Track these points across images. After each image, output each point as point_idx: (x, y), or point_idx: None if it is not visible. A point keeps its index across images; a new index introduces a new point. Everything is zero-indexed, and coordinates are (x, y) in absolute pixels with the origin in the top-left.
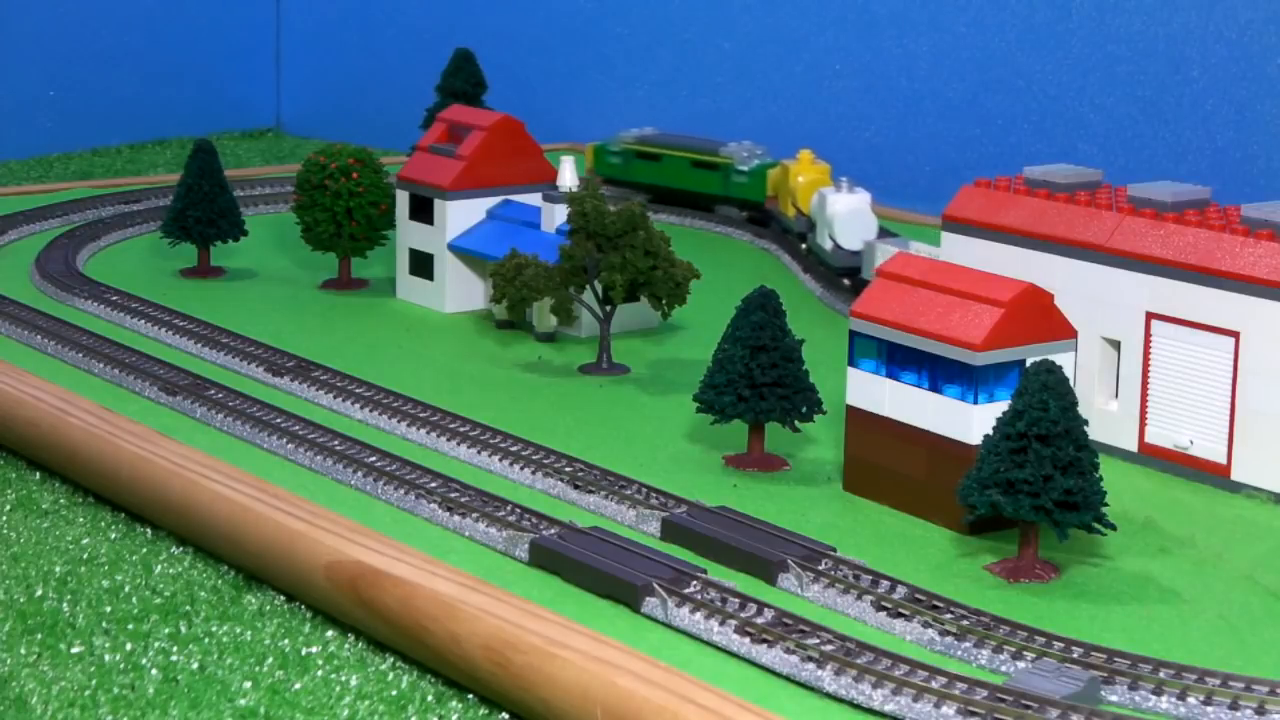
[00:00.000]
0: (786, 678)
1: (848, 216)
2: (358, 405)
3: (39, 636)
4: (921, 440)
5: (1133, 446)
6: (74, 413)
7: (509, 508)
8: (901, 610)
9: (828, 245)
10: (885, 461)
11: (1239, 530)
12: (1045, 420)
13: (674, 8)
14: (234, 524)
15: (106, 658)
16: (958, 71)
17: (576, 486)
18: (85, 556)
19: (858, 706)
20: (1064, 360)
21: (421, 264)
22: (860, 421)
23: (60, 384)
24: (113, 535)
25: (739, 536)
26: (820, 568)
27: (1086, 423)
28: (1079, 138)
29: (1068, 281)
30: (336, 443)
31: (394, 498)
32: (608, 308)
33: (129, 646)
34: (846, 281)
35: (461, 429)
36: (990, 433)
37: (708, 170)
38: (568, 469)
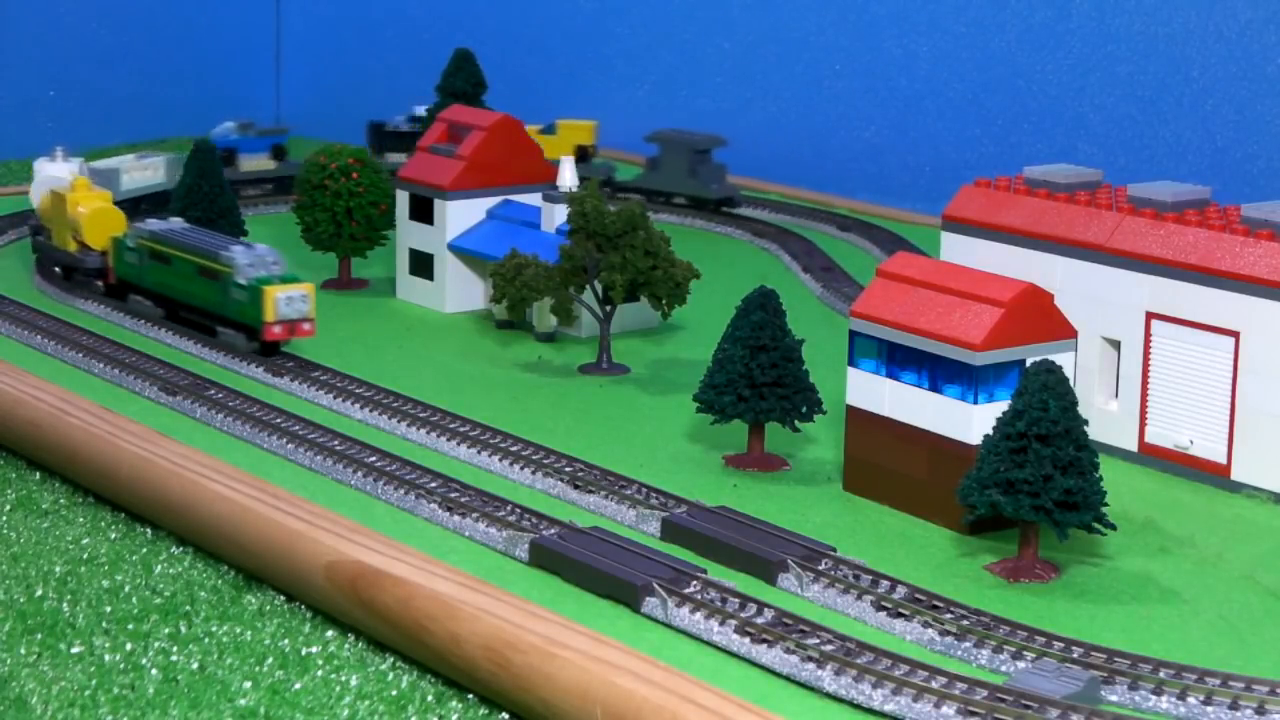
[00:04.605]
0: (786, 678)
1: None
2: (358, 405)
3: (39, 636)
4: (921, 440)
5: (1133, 446)
6: (74, 412)
7: (509, 508)
8: (901, 610)
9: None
10: (885, 461)
11: (1239, 530)
12: (1045, 420)
13: (674, 8)
14: (234, 524)
15: (106, 658)
16: (958, 71)
17: (576, 486)
18: (85, 556)
19: (858, 706)
20: (1064, 360)
21: (421, 264)
22: (860, 421)
23: (60, 384)
24: (113, 535)
25: (739, 536)
26: (820, 568)
27: (1086, 423)
28: (1079, 138)
29: (1068, 281)
30: (336, 443)
31: (394, 498)
32: (608, 308)
33: (129, 646)
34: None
35: (461, 429)
36: (990, 433)
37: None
38: (568, 469)
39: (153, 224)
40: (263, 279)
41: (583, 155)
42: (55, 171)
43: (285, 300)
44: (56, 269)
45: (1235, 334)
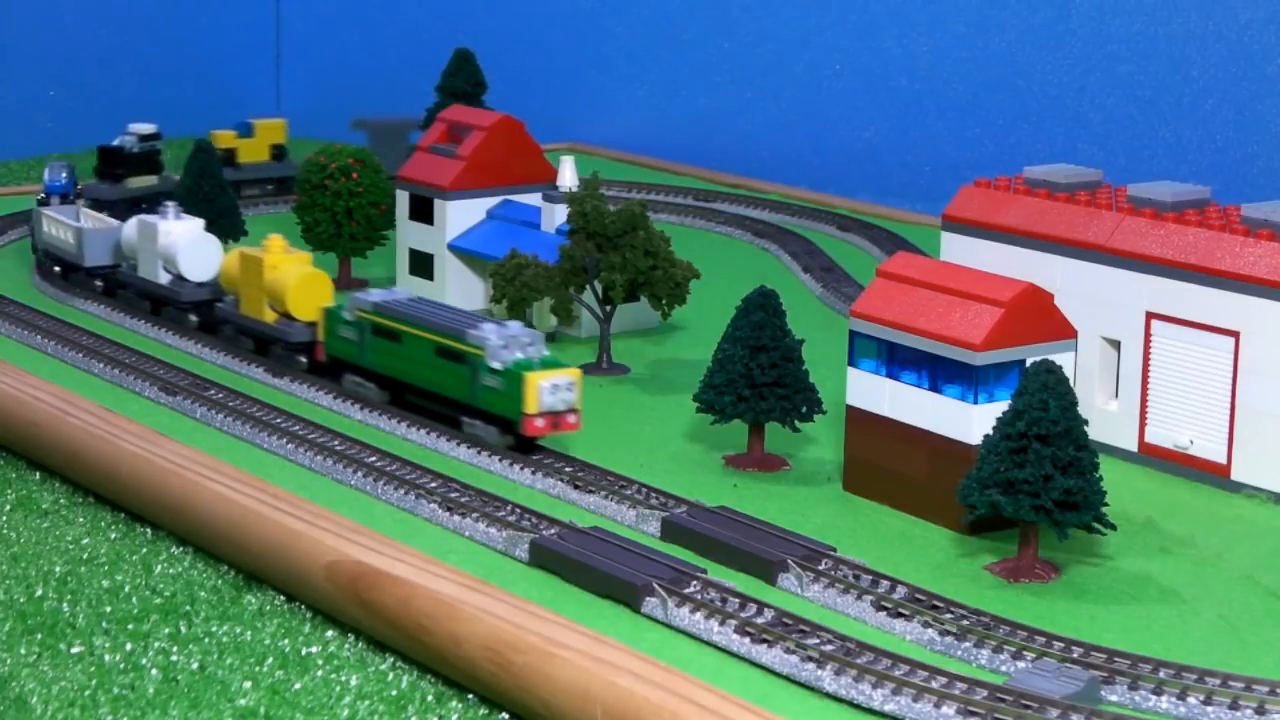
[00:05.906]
0: (786, 678)
1: (190, 246)
2: (358, 405)
3: (39, 636)
4: (922, 440)
5: (1133, 446)
6: (74, 413)
7: (509, 508)
8: (901, 610)
9: (164, 279)
10: (885, 461)
11: (1239, 530)
12: (1045, 420)
13: (674, 8)
14: (234, 524)
15: (106, 658)
16: (958, 71)
17: (576, 486)
18: (85, 556)
19: (858, 706)
20: (1064, 360)
21: (421, 264)
22: (860, 421)
23: (60, 384)
24: (113, 535)
25: (739, 536)
26: (820, 568)
27: (1086, 423)
28: (1079, 138)
29: (1068, 281)
30: (336, 443)
31: (394, 498)
32: (608, 308)
33: (129, 646)
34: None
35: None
36: (990, 433)
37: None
38: (568, 469)
39: (375, 294)
40: (521, 363)
41: (279, 154)
42: (186, 234)
43: (550, 388)
44: (249, 343)
45: (1235, 334)
